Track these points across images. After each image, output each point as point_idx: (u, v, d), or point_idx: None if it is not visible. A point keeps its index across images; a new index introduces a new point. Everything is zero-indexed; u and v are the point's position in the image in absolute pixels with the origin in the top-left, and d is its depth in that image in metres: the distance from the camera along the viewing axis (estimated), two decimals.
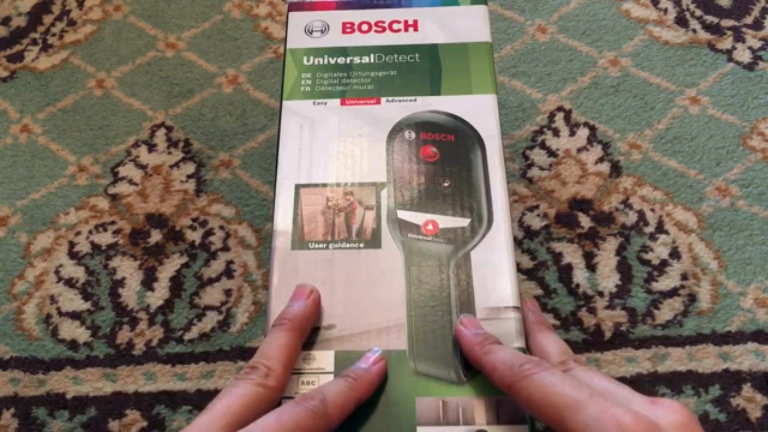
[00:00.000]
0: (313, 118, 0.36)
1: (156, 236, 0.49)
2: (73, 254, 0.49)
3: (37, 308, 0.47)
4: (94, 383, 0.44)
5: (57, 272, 0.48)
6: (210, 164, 0.52)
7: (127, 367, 0.45)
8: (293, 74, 0.38)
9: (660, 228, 0.48)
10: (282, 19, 0.59)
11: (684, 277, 0.46)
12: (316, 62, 0.38)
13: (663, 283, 0.46)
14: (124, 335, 0.46)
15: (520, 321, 0.31)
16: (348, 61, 0.38)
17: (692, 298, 0.46)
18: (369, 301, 0.31)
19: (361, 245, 0.33)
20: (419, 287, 0.31)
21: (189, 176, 0.52)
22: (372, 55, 0.38)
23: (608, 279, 0.46)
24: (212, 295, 0.47)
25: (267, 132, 0.54)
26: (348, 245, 0.33)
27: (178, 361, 0.45)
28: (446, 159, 0.35)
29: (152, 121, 0.55)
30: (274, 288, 0.32)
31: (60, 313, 0.47)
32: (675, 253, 0.47)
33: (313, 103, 0.37)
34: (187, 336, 0.46)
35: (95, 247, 0.49)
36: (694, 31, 0.57)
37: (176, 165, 0.52)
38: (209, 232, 0.49)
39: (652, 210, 0.49)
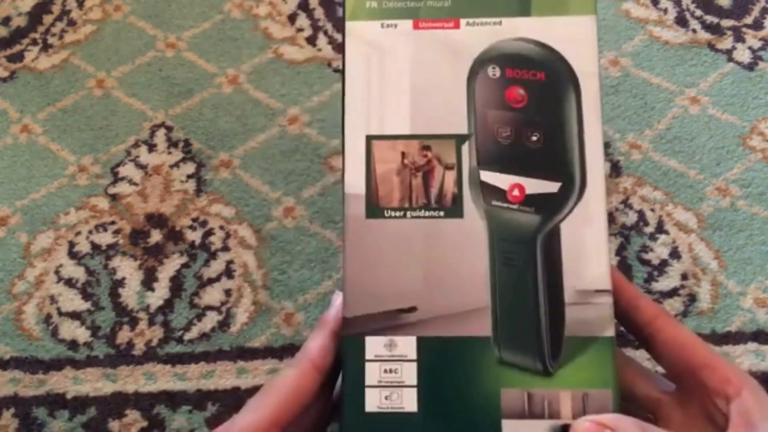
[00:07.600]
0: (382, 48, 0.30)
1: (156, 236, 0.49)
2: (73, 254, 0.49)
3: (37, 308, 0.47)
4: (94, 383, 0.44)
5: (57, 272, 0.48)
6: (210, 164, 0.52)
7: (127, 367, 0.45)
8: None
9: (660, 228, 0.48)
10: (282, 19, 0.59)
11: (684, 277, 0.46)
12: None
13: (663, 283, 0.46)
14: (124, 335, 0.46)
15: (612, 306, 0.28)
16: None
17: (692, 298, 0.46)
18: (451, 281, 0.28)
19: (442, 213, 0.29)
20: (504, 266, 0.28)
21: (189, 176, 0.52)
22: None
23: None
24: (212, 295, 0.47)
25: (267, 132, 0.54)
26: (427, 213, 0.29)
27: (178, 361, 0.45)
28: (535, 105, 0.29)
29: (152, 121, 0.55)
30: (348, 261, 0.29)
31: (60, 313, 0.47)
32: (675, 253, 0.47)
33: (382, 25, 0.31)
34: (187, 336, 0.46)
35: (95, 247, 0.49)
36: (694, 31, 0.57)
37: (176, 165, 0.52)
38: (209, 232, 0.49)
39: (652, 210, 0.49)
